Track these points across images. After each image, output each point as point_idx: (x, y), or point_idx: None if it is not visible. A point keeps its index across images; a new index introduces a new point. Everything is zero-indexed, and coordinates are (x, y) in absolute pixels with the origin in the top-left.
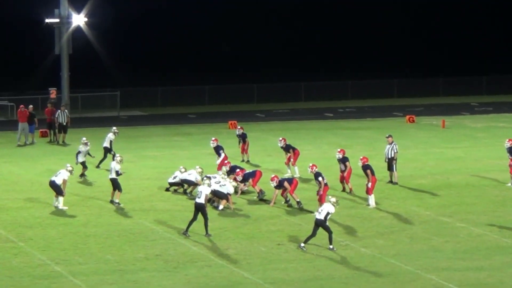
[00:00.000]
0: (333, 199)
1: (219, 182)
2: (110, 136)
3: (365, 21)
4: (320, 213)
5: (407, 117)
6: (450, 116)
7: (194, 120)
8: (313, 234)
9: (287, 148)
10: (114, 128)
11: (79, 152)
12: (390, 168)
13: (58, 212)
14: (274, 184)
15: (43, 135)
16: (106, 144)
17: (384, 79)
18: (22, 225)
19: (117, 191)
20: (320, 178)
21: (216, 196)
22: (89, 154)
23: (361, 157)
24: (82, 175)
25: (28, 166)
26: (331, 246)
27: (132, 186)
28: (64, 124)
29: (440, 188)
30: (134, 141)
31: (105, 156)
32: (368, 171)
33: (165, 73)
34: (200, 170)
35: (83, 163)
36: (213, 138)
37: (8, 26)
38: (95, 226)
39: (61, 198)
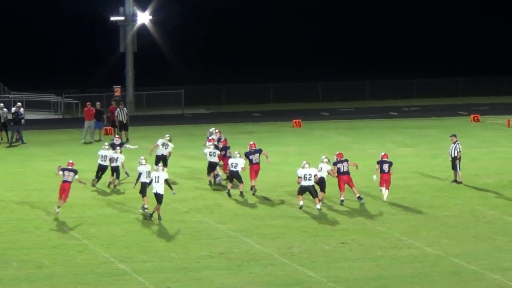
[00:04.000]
0: None
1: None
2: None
3: (427, 19)
4: None
5: (472, 116)
6: None
7: (258, 118)
8: None
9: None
10: (212, 129)
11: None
12: (454, 167)
13: (122, 210)
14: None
15: (107, 133)
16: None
17: (450, 78)
18: (86, 222)
19: (115, 177)
20: None
21: (235, 177)
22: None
23: (337, 153)
24: None
25: (93, 164)
26: None
27: (197, 184)
28: (124, 121)
29: (505, 188)
30: (198, 139)
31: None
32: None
33: (230, 71)
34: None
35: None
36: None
37: (73, 24)
38: (159, 224)
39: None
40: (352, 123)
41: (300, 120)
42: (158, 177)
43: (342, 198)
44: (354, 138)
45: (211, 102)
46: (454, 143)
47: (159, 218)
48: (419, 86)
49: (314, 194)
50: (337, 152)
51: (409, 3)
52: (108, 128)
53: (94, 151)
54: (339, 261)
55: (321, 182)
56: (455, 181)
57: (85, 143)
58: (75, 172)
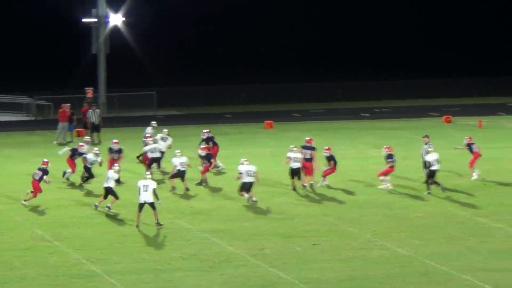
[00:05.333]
0: None
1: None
2: (149, 130)
3: (401, 20)
4: None
5: (444, 117)
6: (487, 116)
7: (230, 120)
8: None
9: (207, 140)
10: (154, 122)
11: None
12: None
13: (94, 211)
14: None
15: (80, 134)
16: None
17: (420, 79)
18: (58, 224)
19: (113, 198)
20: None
21: (180, 176)
22: None
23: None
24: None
25: (66, 165)
26: None
27: (168, 185)
28: (96, 123)
29: (477, 189)
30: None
31: None
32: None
33: (202, 73)
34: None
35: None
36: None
37: (45, 26)
38: (131, 225)
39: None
40: (324, 124)
41: (272, 121)
42: (147, 186)
43: (304, 184)
44: (326, 140)
45: (183, 104)
46: (426, 144)
47: (158, 224)
48: (390, 87)
49: (250, 189)
50: (307, 138)
51: (379, 5)
52: (80, 129)
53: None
54: (310, 262)
55: (298, 172)
56: (427, 182)
57: (58, 144)
58: (43, 172)
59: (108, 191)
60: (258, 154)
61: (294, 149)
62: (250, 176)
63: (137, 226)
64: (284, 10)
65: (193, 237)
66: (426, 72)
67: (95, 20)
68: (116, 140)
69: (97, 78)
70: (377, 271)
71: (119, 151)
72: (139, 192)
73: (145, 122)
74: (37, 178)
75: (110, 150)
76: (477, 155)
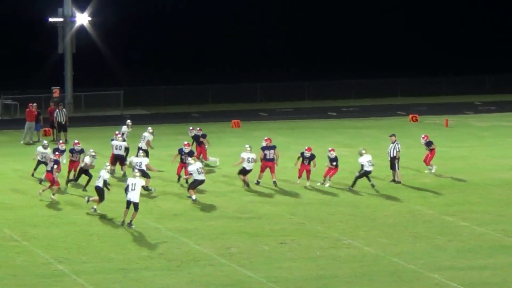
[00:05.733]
0: None
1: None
2: (124, 128)
3: (368, 20)
4: None
5: (410, 116)
6: (454, 115)
7: (197, 119)
8: None
9: (194, 139)
10: (129, 121)
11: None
12: (392, 167)
13: (62, 211)
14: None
15: (46, 134)
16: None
17: (388, 78)
18: (26, 224)
19: (96, 197)
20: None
21: (142, 175)
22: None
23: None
24: None
25: (33, 165)
26: None
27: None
28: (63, 123)
29: (444, 187)
30: (137, 140)
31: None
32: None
33: (168, 72)
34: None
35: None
36: (190, 128)
37: (11, 25)
38: (99, 225)
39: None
40: (291, 123)
41: (239, 120)
42: (134, 184)
43: (259, 180)
44: (294, 139)
45: (150, 103)
46: (393, 142)
47: (130, 224)
48: (357, 86)
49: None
50: (266, 138)
51: (345, 3)
52: (46, 129)
53: (33, 152)
54: (278, 261)
55: (248, 172)
56: (394, 180)
57: (25, 144)
58: (55, 162)
59: (97, 191)
60: (225, 153)
61: (248, 149)
62: (200, 173)
63: (123, 223)
64: (247, 8)
65: (160, 236)
66: (394, 71)
67: (61, 19)
68: (77, 141)
69: (64, 77)
70: (345, 270)
71: (81, 152)
72: (128, 190)
73: (112, 121)
74: (49, 168)
75: (72, 151)
76: (433, 153)
